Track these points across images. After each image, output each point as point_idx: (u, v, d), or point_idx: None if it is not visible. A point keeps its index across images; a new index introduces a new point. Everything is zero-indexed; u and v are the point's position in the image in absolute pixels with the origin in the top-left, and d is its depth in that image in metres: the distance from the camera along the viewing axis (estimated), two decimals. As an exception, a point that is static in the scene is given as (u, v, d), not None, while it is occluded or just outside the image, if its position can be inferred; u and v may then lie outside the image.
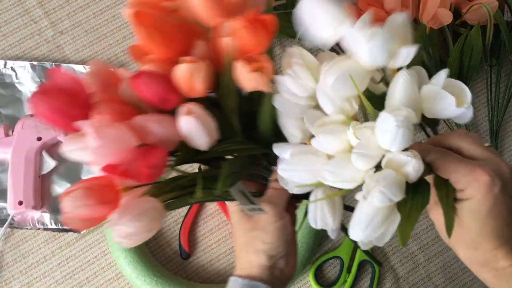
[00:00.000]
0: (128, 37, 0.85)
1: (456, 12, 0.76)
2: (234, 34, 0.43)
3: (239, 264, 0.53)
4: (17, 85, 0.82)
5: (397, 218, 0.44)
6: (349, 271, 0.76)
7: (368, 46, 0.42)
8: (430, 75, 0.46)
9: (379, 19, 0.72)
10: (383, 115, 0.41)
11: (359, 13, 0.74)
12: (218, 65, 0.45)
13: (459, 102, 0.43)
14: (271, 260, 0.52)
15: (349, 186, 0.44)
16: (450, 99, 0.42)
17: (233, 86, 0.46)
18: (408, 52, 0.42)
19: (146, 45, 0.43)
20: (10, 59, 0.84)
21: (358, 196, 0.43)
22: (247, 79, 0.43)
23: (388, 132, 0.41)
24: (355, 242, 0.45)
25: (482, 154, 0.46)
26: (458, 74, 0.75)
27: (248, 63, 0.43)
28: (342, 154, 0.44)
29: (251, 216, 0.52)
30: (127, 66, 0.84)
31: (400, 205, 0.44)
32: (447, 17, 0.71)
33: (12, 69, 0.83)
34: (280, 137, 0.50)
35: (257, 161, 0.53)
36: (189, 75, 0.42)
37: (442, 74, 0.43)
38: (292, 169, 0.46)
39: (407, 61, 0.43)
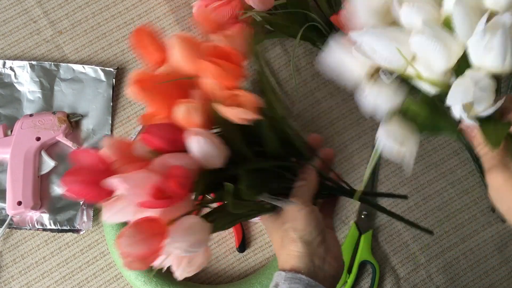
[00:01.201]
0: (127, 36, 0.84)
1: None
2: (208, 74, 0.48)
3: (280, 260, 0.54)
4: (16, 85, 0.82)
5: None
6: (349, 271, 0.76)
7: None
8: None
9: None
10: None
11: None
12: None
13: None
14: (308, 246, 0.53)
15: (442, 65, 0.41)
16: None
17: (229, 122, 0.49)
18: None
19: (152, 107, 0.49)
20: (9, 58, 0.83)
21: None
22: (233, 116, 0.48)
23: None
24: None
25: None
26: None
27: (228, 100, 0.47)
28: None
29: (279, 214, 0.54)
30: (126, 65, 0.83)
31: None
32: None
33: (11, 68, 0.82)
34: (291, 152, 0.54)
35: (279, 174, 0.55)
36: (187, 113, 0.47)
37: None
38: (376, 35, 0.42)
39: None
